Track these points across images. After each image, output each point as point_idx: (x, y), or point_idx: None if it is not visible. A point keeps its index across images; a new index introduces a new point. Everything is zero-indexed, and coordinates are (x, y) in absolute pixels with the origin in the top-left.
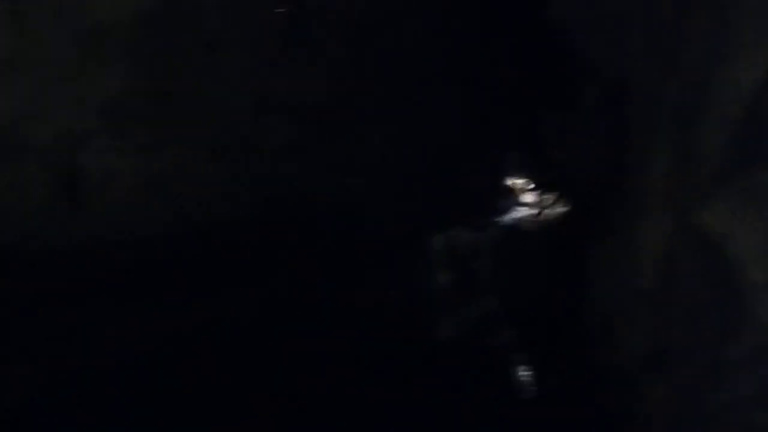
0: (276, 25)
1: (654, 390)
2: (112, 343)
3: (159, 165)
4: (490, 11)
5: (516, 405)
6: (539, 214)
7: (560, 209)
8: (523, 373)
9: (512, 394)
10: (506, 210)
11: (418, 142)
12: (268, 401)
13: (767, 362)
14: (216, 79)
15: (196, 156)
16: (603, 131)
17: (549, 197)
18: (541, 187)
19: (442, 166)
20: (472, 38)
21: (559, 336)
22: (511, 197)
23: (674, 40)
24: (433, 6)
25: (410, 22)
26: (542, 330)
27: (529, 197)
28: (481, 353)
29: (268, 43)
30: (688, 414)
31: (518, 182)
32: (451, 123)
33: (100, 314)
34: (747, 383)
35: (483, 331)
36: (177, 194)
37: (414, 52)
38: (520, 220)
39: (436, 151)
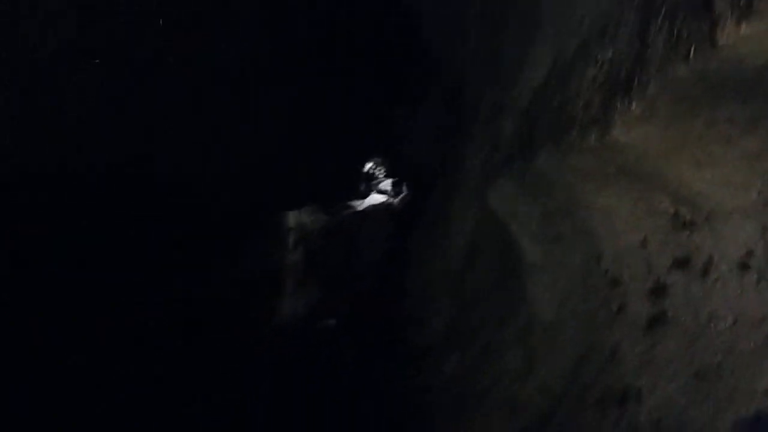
0: None
1: (446, 365)
2: None
3: None
4: (348, 9)
5: (338, 379)
6: (389, 200)
7: (404, 197)
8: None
9: (335, 369)
10: (361, 196)
11: (281, 127)
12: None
13: (533, 339)
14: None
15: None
16: (442, 128)
17: (397, 185)
18: (391, 175)
19: (303, 150)
20: (331, 34)
21: (381, 315)
22: (366, 184)
23: (496, 46)
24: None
25: (270, 14)
26: (370, 311)
27: (381, 184)
28: (315, 331)
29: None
30: (470, 387)
31: (373, 170)
32: (314, 110)
33: None
34: (515, 359)
35: (321, 312)
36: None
37: (276, 44)
38: (372, 205)
39: (298, 136)
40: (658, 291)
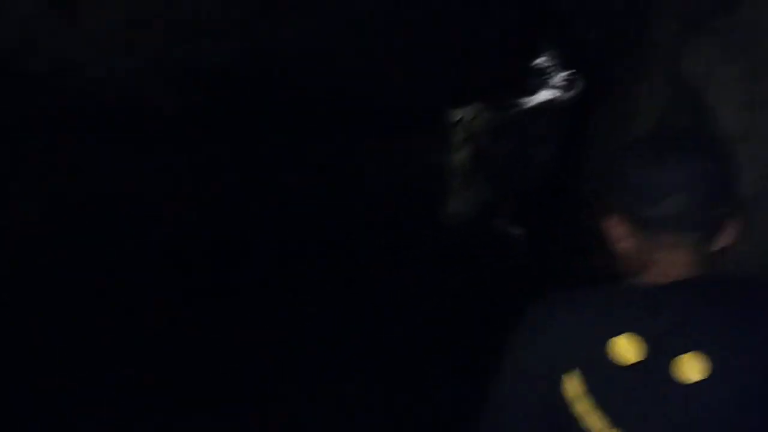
0: None
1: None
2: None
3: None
4: None
5: (510, 270)
6: (562, 95)
7: (579, 90)
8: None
9: (506, 266)
10: (530, 91)
11: (445, 18)
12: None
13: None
14: None
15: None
16: (624, 6)
17: (570, 78)
18: (564, 68)
19: (469, 44)
20: None
21: (553, 213)
22: (536, 79)
23: None
24: None
25: None
26: (541, 208)
27: (553, 79)
28: (483, 230)
29: None
30: None
31: (544, 63)
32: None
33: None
34: None
35: (489, 211)
36: (168, 33)
37: None
38: (543, 102)
39: (463, 29)
40: None
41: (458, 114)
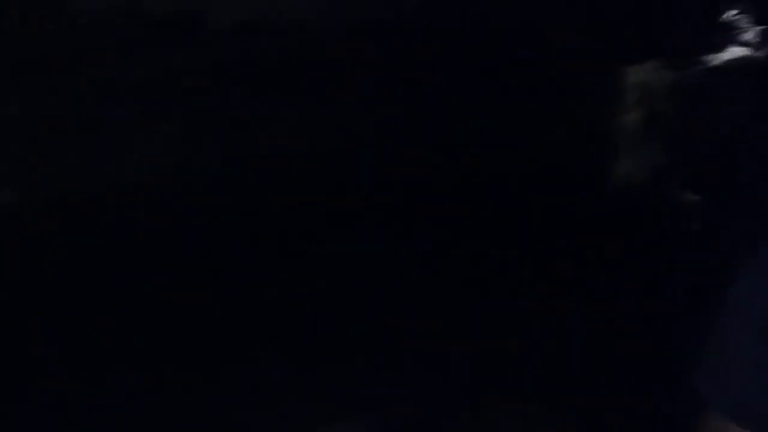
0: None
1: None
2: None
3: None
4: None
5: (681, 246)
6: (752, 53)
7: None
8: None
9: (678, 236)
10: (716, 48)
11: None
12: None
13: None
14: None
15: None
16: None
17: (764, 34)
18: (758, 22)
19: None
20: None
21: (734, 181)
22: (723, 34)
23: None
24: None
25: None
26: (720, 176)
27: (743, 35)
28: (654, 195)
29: None
30: None
31: (733, 16)
32: None
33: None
34: None
35: (662, 176)
36: None
37: None
38: (729, 60)
39: None
40: None
41: (633, 72)
